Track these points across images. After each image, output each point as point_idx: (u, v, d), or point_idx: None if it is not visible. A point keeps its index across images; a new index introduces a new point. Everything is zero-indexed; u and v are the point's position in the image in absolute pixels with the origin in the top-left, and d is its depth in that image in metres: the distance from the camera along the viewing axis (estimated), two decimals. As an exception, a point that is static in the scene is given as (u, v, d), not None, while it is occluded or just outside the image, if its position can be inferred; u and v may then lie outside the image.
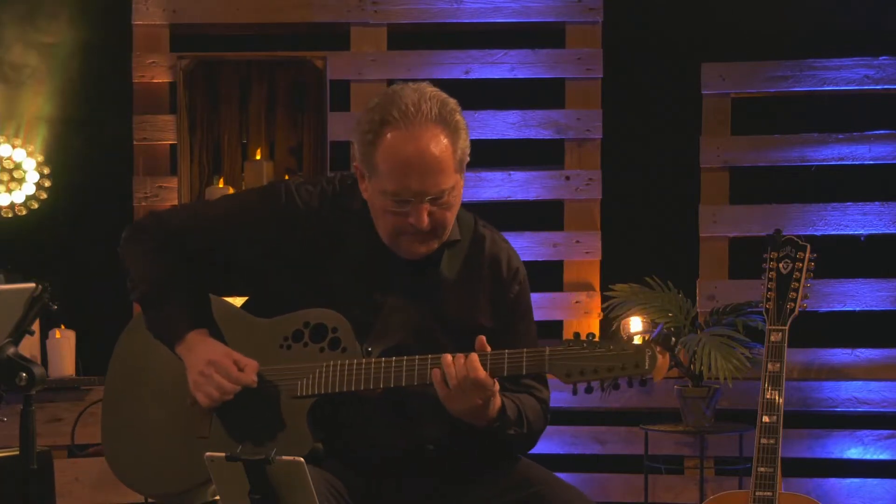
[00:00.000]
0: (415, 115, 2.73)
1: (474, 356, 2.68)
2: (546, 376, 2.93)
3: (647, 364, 2.59)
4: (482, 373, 2.67)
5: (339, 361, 2.78)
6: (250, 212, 2.91)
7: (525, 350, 2.68)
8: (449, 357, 2.70)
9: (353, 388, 2.77)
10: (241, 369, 2.81)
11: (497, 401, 2.74)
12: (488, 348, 2.71)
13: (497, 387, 2.72)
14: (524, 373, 2.69)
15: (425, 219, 2.75)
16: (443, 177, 2.75)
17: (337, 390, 2.78)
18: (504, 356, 2.69)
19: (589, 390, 2.66)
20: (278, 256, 2.88)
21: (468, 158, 2.84)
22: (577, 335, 2.67)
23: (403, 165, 2.73)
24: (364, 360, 2.77)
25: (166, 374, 2.93)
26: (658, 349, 2.59)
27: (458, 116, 2.80)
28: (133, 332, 3.03)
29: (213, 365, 2.81)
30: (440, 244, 2.83)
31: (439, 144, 2.74)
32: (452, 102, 2.80)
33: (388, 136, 2.73)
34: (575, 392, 2.68)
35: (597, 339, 2.64)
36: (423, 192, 2.74)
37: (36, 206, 5.21)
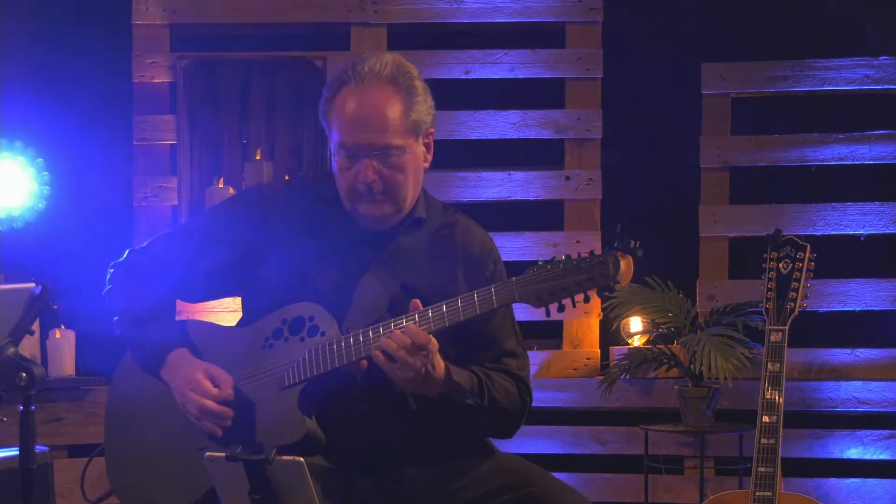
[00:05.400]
0: (367, 74, 2.87)
1: (410, 325, 2.75)
2: (517, 350, 2.98)
3: (611, 270, 2.66)
4: (421, 335, 2.74)
5: (319, 345, 2.84)
6: (225, 215, 3.03)
7: (492, 286, 2.75)
8: (387, 339, 2.75)
9: (336, 365, 2.82)
10: (216, 385, 2.87)
11: (439, 363, 2.79)
12: (420, 307, 2.78)
13: (436, 346, 2.77)
14: (496, 306, 2.75)
15: (368, 174, 2.84)
16: (388, 133, 2.85)
17: (322, 371, 2.83)
18: (467, 299, 2.75)
19: (561, 308, 2.71)
20: (256, 248, 2.95)
21: (430, 128, 2.94)
22: (541, 261, 2.72)
23: (350, 117, 2.86)
24: (342, 336, 2.82)
25: (158, 399, 2.99)
26: (619, 254, 2.66)
27: (417, 83, 2.91)
28: (122, 370, 3.11)
29: (189, 385, 2.89)
30: (398, 211, 2.91)
31: (386, 100, 2.85)
32: (413, 70, 2.92)
33: (342, 92, 2.88)
34: (548, 314, 2.73)
35: (558, 259, 2.70)
36: (368, 144, 2.85)
37: (33, 215, 5.19)
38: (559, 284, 2.67)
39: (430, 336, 2.75)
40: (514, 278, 2.72)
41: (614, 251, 2.67)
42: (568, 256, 2.69)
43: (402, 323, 2.77)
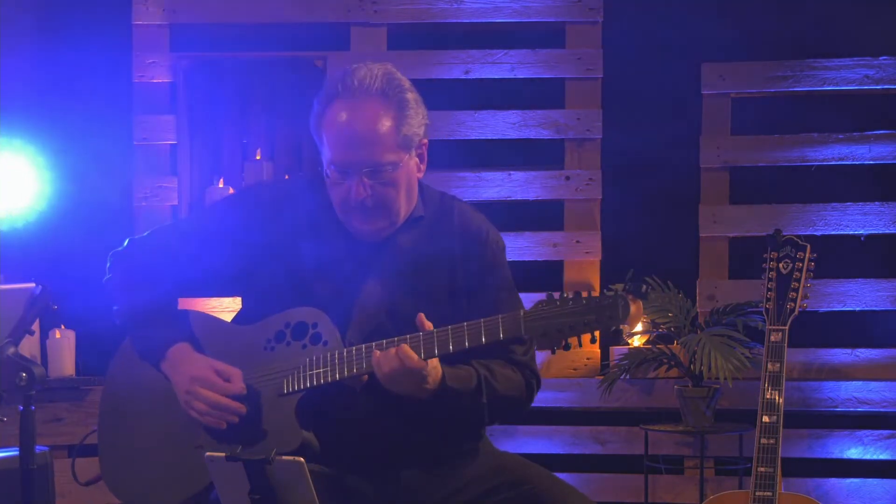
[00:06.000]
0: (356, 88, 2.82)
1: (405, 347, 2.73)
2: (523, 336, 2.96)
3: (620, 314, 2.61)
4: (414, 361, 2.71)
5: (321, 355, 2.82)
6: (225, 216, 2.99)
7: (500, 316, 2.71)
8: (378, 353, 2.75)
9: (336, 378, 2.81)
10: (226, 380, 2.86)
11: (435, 376, 2.78)
12: (428, 325, 2.75)
13: (432, 364, 2.75)
14: (502, 338, 2.71)
15: (359, 191, 2.81)
16: (377, 150, 2.81)
17: (321, 382, 2.82)
18: (474, 326, 2.72)
19: (567, 347, 2.69)
20: (257, 252, 2.94)
21: (423, 140, 2.89)
22: (549, 294, 2.69)
23: (339, 134, 2.82)
24: (344, 349, 2.80)
25: (156, 391, 2.97)
26: (630, 297, 2.62)
27: (409, 96, 2.85)
28: (123, 354, 3.08)
29: (197, 381, 2.87)
30: (391, 225, 2.88)
31: (376, 116, 2.80)
32: (404, 82, 2.86)
33: (331, 107, 2.83)
34: (553, 351, 2.70)
35: (569, 295, 2.66)
36: (357, 162, 2.81)
37: (33, 215, 5.19)
38: (566, 323, 2.64)
39: (425, 363, 2.73)
40: (521, 311, 2.69)
41: (625, 293, 2.63)
42: (577, 293, 2.66)
43: (406, 340, 2.75)
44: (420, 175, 2.93)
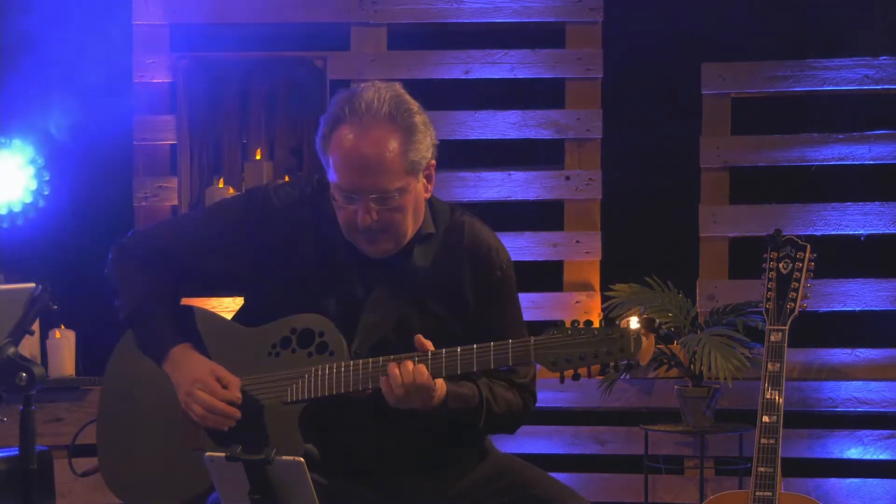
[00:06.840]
0: (364, 113, 2.75)
1: (421, 367, 2.72)
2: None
3: (632, 347, 2.60)
4: (426, 377, 2.71)
5: (326, 365, 2.80)
6: (231, 220, 2.96)
7: (510, 341, 2.70)
8: (395, 367, 2.73)
9: (341, 391, 2.79)
10: (224, 386, 2.85)
11: (439, 394, 2.77)
12: (429, 346, 2.73)
13: (438, 383, 2.75)
14: (511, 364, 2.71)
15: (366, 217, 2.77)
16: (385, 176, 2.76)
17: (325, 393, 2.80)
18: (483, 350, 2.71)
19: (576, 377, 2.67)
20: (263, 260, 2.91)
21: (430, 162, 2.84)
22: (561, 322, 2.67)
23: (346, 160, 2.76)
24: (350, 362, 2.78)
25: (157, 390, 2.96)
26: (642, 331, 2.61)
27: (417, 119, 2.79)
28: (123, 350, 3.06)
29: (197, 384, 2.85)
30: (397, 246, 2.84)
31: (383, 143, 2.75)
32: (412, 105, 2.80)
33: (338, 131, 2.77)
34: (562, 380, 2.69)
35: (581, 325, 2.65)
36: (364, 189, 2.76)
37: (32, 215, 5.19)
38: (577, 353, 2.63)
39: (434, 382, 2.73)
40: (532, 338, 2.68)
41: (637, 328, 2.61)
42: (589, 323, 2.64)
43: (414, 358, 2.73)
44: (428, 195, 2.88)
